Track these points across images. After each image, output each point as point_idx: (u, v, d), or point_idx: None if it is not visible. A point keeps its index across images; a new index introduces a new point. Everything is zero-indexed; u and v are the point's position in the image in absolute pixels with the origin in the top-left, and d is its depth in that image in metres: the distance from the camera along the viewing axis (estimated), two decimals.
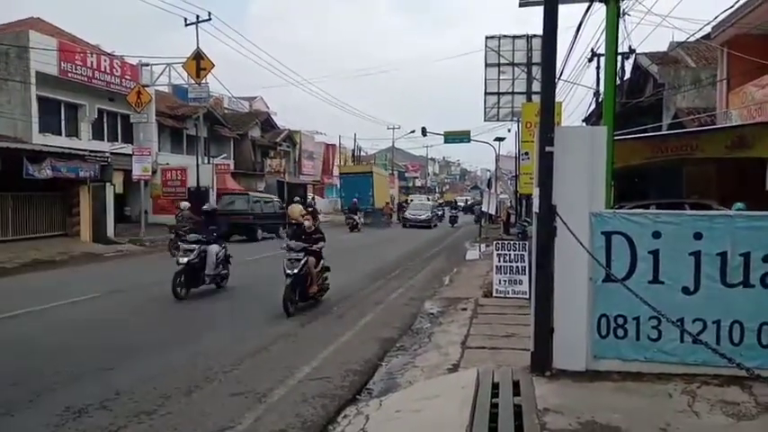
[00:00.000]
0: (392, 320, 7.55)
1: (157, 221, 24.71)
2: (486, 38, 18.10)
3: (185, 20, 22.85)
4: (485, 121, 18.84)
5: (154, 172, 23.87)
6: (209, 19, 22.91)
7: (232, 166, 32.05)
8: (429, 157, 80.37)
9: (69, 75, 21.66)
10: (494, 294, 8.67)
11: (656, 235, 4.24)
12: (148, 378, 4.96)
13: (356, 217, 28.49)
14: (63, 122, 22.49)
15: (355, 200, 30.86)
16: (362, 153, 53.94)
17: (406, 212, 33.15)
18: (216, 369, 5.22)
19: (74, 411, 4.14)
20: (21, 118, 20.31)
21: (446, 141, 32.25)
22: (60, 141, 20.79)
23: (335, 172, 52.93)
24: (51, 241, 17.21)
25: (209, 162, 27.49)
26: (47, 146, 18.48)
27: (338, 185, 49.40)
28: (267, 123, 40.23)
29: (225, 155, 32.68)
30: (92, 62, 22.75)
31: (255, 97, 48.54)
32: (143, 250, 17.87)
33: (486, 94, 18.20)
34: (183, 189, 26.02)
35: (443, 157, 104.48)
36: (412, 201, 47.14)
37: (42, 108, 21.06)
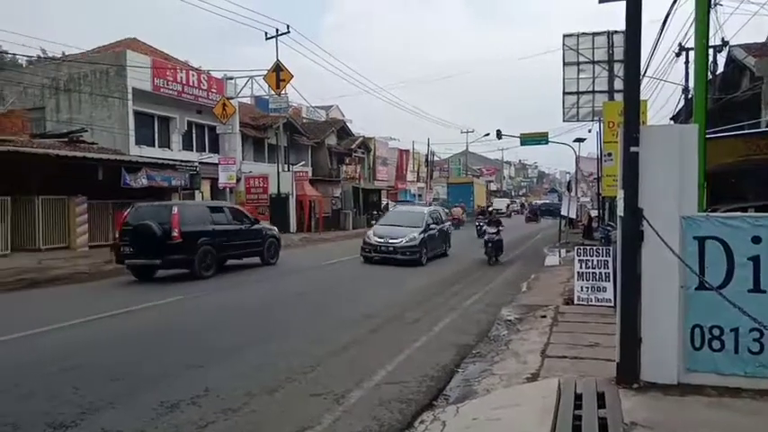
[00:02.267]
0: (468, 327, 7.46)
1: None
2: (564, 36, 17.54)
3: (266, 34, 23.93)
4: (564, 121, 18.24)
5: (238, 180, 25.05)
6: (288, 32, 23.84)
7: (310, 173, 33.03)
8: (504, 160, 78.81)
9: (162, 90, 23.25)
10: (575, 302, 8.35)
11: (756, 240, 3.92)
12: (234, 376, 5.21)
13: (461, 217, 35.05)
14: (156, 135, 24.17)
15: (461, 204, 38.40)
16: (436, 158, 53.74)
17: (370, 233, 16.24)
18: (296, 369, 5.39)
19: (167, 406, 4.42)
20: (119, 131, 22.03)
21: (522, 144, 31.46)
22: (154, 152, 22.35)
23: (409, 177, 53.18)
24: None
25: (288, 170, 28.51)
26: (142, 157, 19.93)
27: (409, 192, 50.10)
28: (343, 131, 41.14)
29: (303, 162, 33.74)
30: (181, 77, 24.29)
31: (332, 106, 49.80)
32: None
33: (564, 93, 17.62)
34: (266, 196, 27.16)
35: (519, 160, 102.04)
36: (491, 205, 48.64)
37: (138, 122, 22.75)
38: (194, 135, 26.41)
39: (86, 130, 21.14)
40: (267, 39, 23.86)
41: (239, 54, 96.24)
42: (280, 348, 6.35)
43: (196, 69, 26.88)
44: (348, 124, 43.52)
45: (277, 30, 23.86)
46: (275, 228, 16.37)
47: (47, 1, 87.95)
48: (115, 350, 6.44)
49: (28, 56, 38.51)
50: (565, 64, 17.48)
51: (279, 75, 21.02)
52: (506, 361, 5.66)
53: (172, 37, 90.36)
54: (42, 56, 31.82)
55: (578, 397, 3.95)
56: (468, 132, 54.93)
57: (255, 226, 14.61)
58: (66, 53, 27.08)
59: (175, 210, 12.11)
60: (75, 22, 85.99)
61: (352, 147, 40.69)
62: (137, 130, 22.67)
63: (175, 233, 11.70)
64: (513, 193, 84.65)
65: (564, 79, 17.52)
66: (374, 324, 7.55)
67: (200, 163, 22.37)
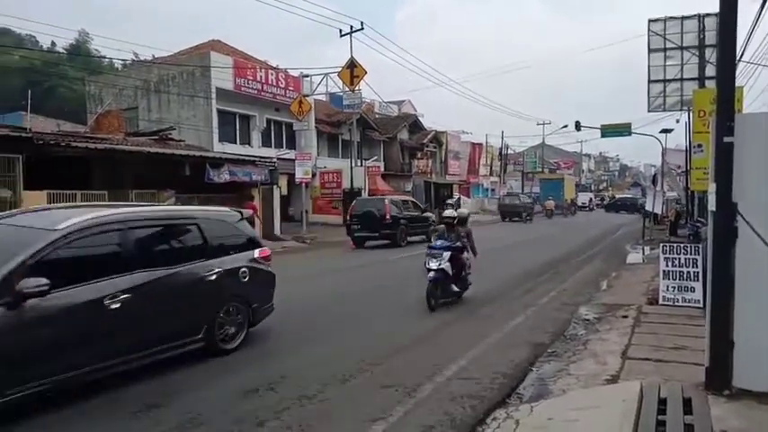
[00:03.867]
0: (543, 324, 7.26)
1: (317, 221, 26.62)
2: (650, 21, 16.54)
3: (340, 31, 24.29)
4: (649, 111, 17.20)
5: (313, 175, 25.69)
6: (362, 28, 24.07)
7: (382, 168, 33.30)
8: (583, 152, 75.69)
9: (242, 89, 24.23)
10: (660, 302, 7.90)
11: None
12: (308, 366, 5.38)
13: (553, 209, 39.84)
14: (237, 132, 25.24)
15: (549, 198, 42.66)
16: (510, 151, 52.51)
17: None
18: (367, 361, 5.47)
19: (246, 391, 4.65)
20: (204, 129, 23.21)
21: (603, 135, 30.03)
22: (235, 149, 23.36)
23: (482, 171, 52.34)
24: None
25: (361, 164, 28.88)
26: (225, 153, 20.90)
27: (482, 186, 49.61)
28: (414, 125, 41.11)
29: (375, 157, 34.08)
30: (261, 77, 25.20)
31: (404, 101, 49.87)
32: (304, 247, 19.34)
33: (649, 82, 16.63)
34: (339, 190, 27.70)
35: (600, 153, 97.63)
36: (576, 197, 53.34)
37: (221, 120, 23.86)
38: (273, 132, 27.35)
39: (174, 128, 22.46)
40: (341, 36, 24.23)
41: (315, 53, 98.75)
42: (353, 338, 6.49)
43: (274, 68, 27.79)
44: (420, 118, 43.43)
45: (351, 27, 24.19)
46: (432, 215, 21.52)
47: (138, 6, 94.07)
48: None
49: (123, 59, 41.46)
50: (650, 51, 16.49)
51: (353, 71, 21.31)
52: (584, 361, 5.46)
53: (252, 38, 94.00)
54: (135, 59, 34.13)
55: (662, 402, 3.75)
56: (544, 124, 53.25)
57: (425, 213, 20.92)
58: (156, 56, 28.88)
59: (387, 201, 18.79)
60: (165, 26, 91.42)
61: (424, 141, 40.58)
62: (220, 127, 23.79)
63: (387, 217, 17.94)
64: (592, 187, 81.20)
65: (649, 67, 16.53)
66: (446, 318, 7.52)
67: (278, 159, 23.14)
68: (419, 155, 40.01)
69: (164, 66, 25.34)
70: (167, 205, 17.60)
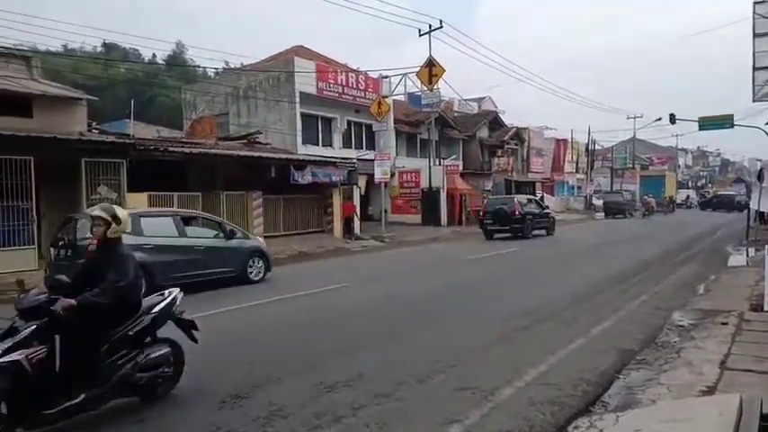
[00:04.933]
0: (633, 330, 6.88)
1: (395, 220, 26.83)
2: (755, 3, 15.18)
3: (419, 31, 24.32)
4: (754, 101, 15.88)
5: (392, 175, 25.90)
6: (441, 27, 23.96)
7: (461, 167, 32.97)
8: (679, 147, 70.72)
9: (324, 92, 24.89)
10: (765, 308, 7.24)
11: None
12: (385, 364, 5.44)
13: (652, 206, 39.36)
14: (320, 134, 25.96)
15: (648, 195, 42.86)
16: (597, 146, 50.09)
17: None
18: (443, 362, 5.45)
19: (325, 386, 4.78)
20: (288, 132, 24.08)
21: (701, 128, 27.89)
22: (317, 151, 24.05)
23: (567, 168, 50.38)
24: (311, 236, 20.05)
25: (439, 164, 28.74)
26: (308, 155, 21.59)
27: (567, 183, 47.97)
28: (495, 122, 40.32)
29: (454, 156, 33.79)
30: (341, 80, 25.77)
31: (484, 98, 49.06)
32: (383, 246, 19.57)
33: (755, 69, 15.30)
34: (417, 190, 27.74)
35: (698, 147, 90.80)
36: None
37: (304, 123, 24.64)
38: (353, 133, 27.88)
39: (261, 132, 23.50)
40: (420, 35, 24.28)
41: (394, 54, 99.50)
42: (430, 339, 6.49)
43: (354, 71, 28.32)
44: (501, 115, 42.51)
45: (430, 26, 24.16)
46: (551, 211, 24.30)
47: (228, 16, 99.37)
48: (283, 331, 7.12)
49: (215, 68, 43.92)
50: (755, 35, 15.16)
51: (431, 70, 21.29)
52: (677, 370, 5.12)
53: (333, 41, 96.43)
54: (226, 67, 36.07)
55: (764, 418, 3.44)
56: (635, 117, 50.29)
57: (546, 210, 23.57)
58: (245, 63, 30.35)
59: (516, 200, 21.99)
60: (253, 34, 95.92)
61: (505, 138, 39.67)
62: (303, 130, 24.59)
63: (517, 213, 20.83)
64: (689, 184, 75.72)
65: (754, 53, 15.20)
66: (528, 320, 7.32)
67: (357, 159, 23.57)
68: (499, 152, 39.18)
69: (251, 73, 26.59)
70: (255, 206, 18.48)
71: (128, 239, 8.75)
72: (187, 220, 11.11)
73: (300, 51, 27.73)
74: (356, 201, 22.06)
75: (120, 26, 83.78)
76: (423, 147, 31.49)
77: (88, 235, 8.39)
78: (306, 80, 23.99)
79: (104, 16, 78.60)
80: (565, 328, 7.07)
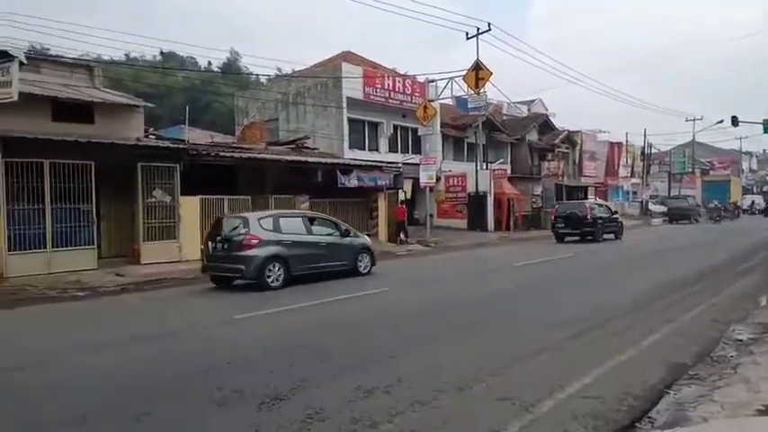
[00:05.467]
0: (687, 343, 6.55)
1: (441, 224, 26.67)
2: None
3: (467, 34, 24.15)
4: None
5: (438, 179, 25.78)
6: (489, 29, 23.70)
7: (509, 171, 32.46)
8: (743, 150, 67.15)
9: (371, 97, 25.08)
10: None
11: None
12: (425, 370, 5.40)
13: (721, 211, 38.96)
14: (366, 139, 26.17)
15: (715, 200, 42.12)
16: (654, 150, 48.19)
17: None
18: (485, 371, 5.35)
19: (363, 391, 4.78)
20: (335, 137, 24.39)
21: (766, 131, 26.45)
22: (364, 155, 24.23)
23: (621, 173, 48.78)
24: None
25: (486, 168, 28.40)
26: (354, 159, 21.78)
27: (621, 188, 46.55)
28: (545, 125, 39.50)
29: (502, 160, 33.31)
30: (388, 84, 25.90)
31: (534, 100, 48.19)
32: (428, 250, 19.51)
33: None
34: (464, 194, 27.47)
35: (764, 150, 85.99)
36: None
37: (351, 127, 24.91)
38: (399, 138, 27.95)
39: (309, 137, 23.90)
40: (468, 39, 24.09)
41: (442, 58, 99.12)
42: (472, 346, 6.40)
43: (401, 76, 28.40)
44: (551, 118, 41.62)
45: (478, 29, 23.95)
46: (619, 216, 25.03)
47: (281, 23, 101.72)
48: (328, 334, 7.19)
49: (267, 75, 45.06)
50: None
51: (478, 74, 21.07)
52: (732, 387, 4.84)
53: (379, 46, 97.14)
54: (278, 74, 36.90)
55: None
56: (694, 120, 48.17)
57: (614, 215, 24.17)
58: (295, 69, 30.97)
59: (587, 205, 23.31)
60: (304, 41, 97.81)
61: (555, 141, 38.78)
62: (350, 135, 24.87)
63: (588, 217, 21.80)
64: (754, 189, 71.73)
65: None
66: (574, 330, 7.10)
67: (403, 164, 23.59)
68: (549, 156, 38.33)
69: (300, 79, 27.10)
70: (303, 209, 18.81)
71: (270, 236, 11.37)
72: (312, 220, 12.77)
73: (348, 57, 28.05)
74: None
75: (177, 35, 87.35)
76: (470, 150, 31.20)
77: (242, 231, 10.90)
78: (353, 85, 24.25)
79: (164, 26, 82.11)
80: (614, 338, 6.82)
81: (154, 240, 14.72)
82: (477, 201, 26.65)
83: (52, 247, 13.03)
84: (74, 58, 19.43)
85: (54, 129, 13.89)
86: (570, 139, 41.03)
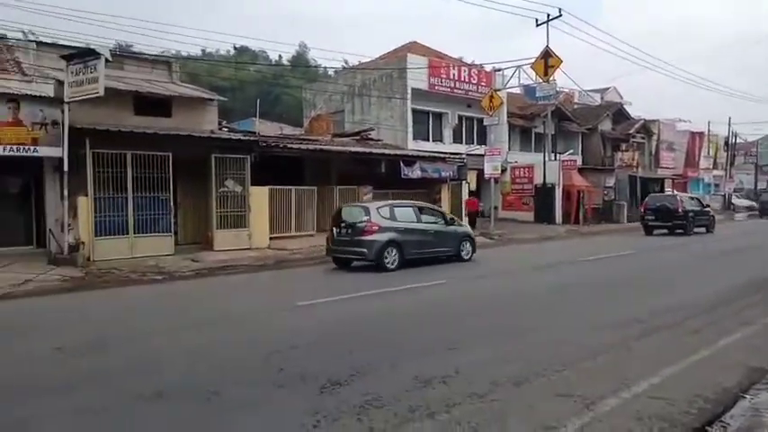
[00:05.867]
0: (766, 346, 6.14)
1: (506, 217, 26.20)
2: None
3: (536, 20, 23.43)
4: None
5: (504, 170, 25.31)
6: (560, 15, 22.90)
7: (579, 162, 31.34)
8: None
9: (436, 88, 24.93)
10: None
11: None
12: (484, 362, 5.37)
13: None
14: (430, 129, 26.07)
15: None
16: (739, 140, 44.94)
17: None
18: (545, 365, 5.26)
19: (421, 381, 4.82)
20: (399, 128, 24.45)
21: None
22: (428, 146, 24.17)
23: (703, 164, 45.91)
24: None
25: (555, 158, 27.56)
26: (417, 150, 21.76)
27: (702, 180, 43.79)
28: (619, 114, 37.77)
29: (572, 150, 32.19)
30: (453, 74, 25.64)
31: (608, 88, 46.17)
32: (492, 243, 19.25)
33: None
34: (531, 186, 26.82)
35: None
36: None
37: (415, 119, 24.89)
38: (464, 128, 27.64)
39: (373, 129, 24.11)
40: (537, 25, 23.36)
41: (509, 46, 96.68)
42: (535, 340, 6.29)
43: (467, 65, 28.02)
44: (626, 107, 39.71)
45: (548, 15, 23.17)
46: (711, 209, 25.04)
47: (349, 15, 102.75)
48: (389, 320, 7.30)
49: (334, 67, 45.78)
50: None
51: (547, 61, 20.42)
52: None
53: (447, 35, 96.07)
54: (345, 66, 37.39)
55: None
56: None
57: (706, 209, 24.20)
58: (362, 62, 31.26)
59: (678, 197, 23.39)
60: (372, 33, 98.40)
61: (630, 131, 36.99)
62: (414, 126, 24.86)
63: (679, 210, 22.08)
64: None
65: None
66: (644, 328, 6.81)
67: (467, 154, 23.32)
68: (624, 147, 36.63)
69: (366, 71, 27.33)
70: (365, 200, 19.03)
71: (387, 223, 12.79)
72: (421, 210, 14.07)
73: (414, 48, 27.98)
74: (464, 196, 21.85)
75: (251, 30, 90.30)
76: (538, 141, 30.38)
77: (363, 219, 12.54)
78: (418, 76, 24.18)
79: (237, 21, 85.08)
80: (687, 337, 6.49)
81: (226, 228, 15.40)
82: (544, 193, 25.94)
83: (134, 233, 13.93)
84: (154, 55, 20.56)
85: (136, 121, 14.80)
86: (647, 128, 39.01)
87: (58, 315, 8.67)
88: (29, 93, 12.82)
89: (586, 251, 16.14)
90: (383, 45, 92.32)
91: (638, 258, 15.13)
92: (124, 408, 4.39)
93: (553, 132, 29.76)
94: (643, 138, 38.86)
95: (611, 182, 31.21)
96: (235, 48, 49.38)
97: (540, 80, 22.36)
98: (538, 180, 26.20)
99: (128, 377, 5.21)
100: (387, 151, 20.40)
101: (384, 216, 12.78)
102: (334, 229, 13.19)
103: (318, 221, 18.46)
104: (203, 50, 41.72)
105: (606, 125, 35.91)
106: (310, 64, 48.49)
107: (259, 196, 16.01)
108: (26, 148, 12.67)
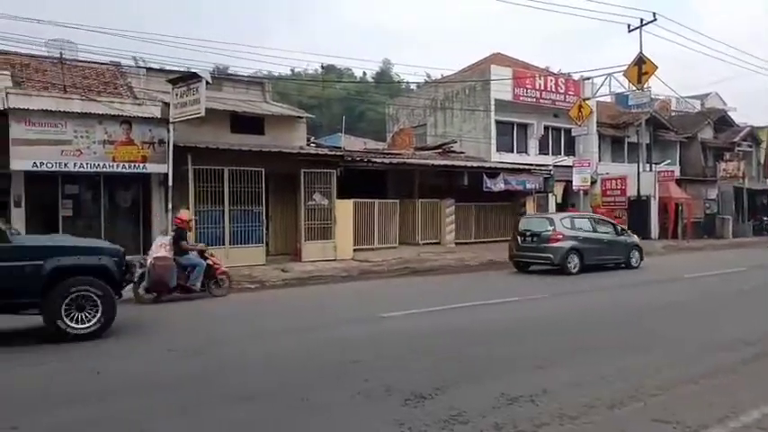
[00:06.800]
0: None
1: None
2: None
3: (628, 26, 22.45)
4: None
5: (594, 182, 24.29)
6: (655, 20, 21.80)
7: (677, 173, 29.38)
8: None
9: (520, 98, 24.46)
10: None
11: None
12: (575, 383, 5.17)
13: None
14: (514, 141, 25.56)
15: None
16: None
17: None
18: (644, 388, 4.98)
19: (507, 398, 4.72)
20: (483, 140, 24.20)
21: None
22: (512, 158, 23.70)
23: None
24: (502, 245, 19.77)
25: (650, 169, 26.09)
26: (502, 162, 21.43)
27: None
28: (722, 122, 35.06)
29: (669, 161, 30.27)
30: (539, 84, 25.05)
31: (708, 94, 43.10)
32: None
33: None
34: (623, 198, 25.52)
35: None
36: None
37: (498, 130, 24.52)
38: (550, 139, 26.83)
39: (456, 142, 24.03)
40: (630, 31, 22.35)
41: (598, 54, 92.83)
42: (632, 361, 5.97)
43: (554, 74, 27.27)
44: (730, 113, 36.79)
45: (641, 20, 22.11)
46: None
47: (431, 29, 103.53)
48: (466, 336, 7.23)
49: (417, 82, 46.26)
50: None
51: (641, 68, 19.45)
52: None
53: (533, 45, 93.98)
54: (426, 80, 37.67)
55: None
56: None
57: None
58: (444, 75, 31.36)
59: None
60: (454, 46, 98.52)
61: (735, 139, 34.15)
62: (498, 137, 24.49)
63: None
64: None
65: None
66: (752, 353, 6.28)
67: (554, 166, 22.62)
68: (727, 156, 33.79)
69: (448, 83, 27.37)
70: (447, 213, 18.99)
71: (569, 232, 14.42)
72: (596, 221, 15.86)
73: (497, 59, 27.66)
74: (551, 210, 21.18)
75: (336, 49, 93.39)
76: (631, 151, 28.86)
77: (549, 228, 14.20)
78: (501, 87, 23.86)
79: (325, 40, 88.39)
80: None
81: (313, 240, 15.95)
82: (638, 206, 24.56)
83: (229, 244, 14.77)
84: (249, 76, 21.83)
85: (232, 139, 15.76)
86: (754, 136, 35.85)
87: (168, 319, 9.33)
88: (139, 115, 14.03)
89: (687, 267, 15.16)
90: (466, 58, 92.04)
91: (749, 276, 13.94)
92: (220, 407, 4.67)
93: (648, 142, 28.17)
94: (750, 146, 35.75)
95: (713, 194, 29.01)
96: (322, 66, 51.27)
97: (634, 88, 21.32)
98: (631, 192, 24.87)
99: (223, 378, 5.54)
100: (469, 164, 20.26)
101: (566, 226, 14.50)
102: (518, 237, 14.84)
103: (401, 234, 18.63)
104: (292, 70, 43.74)
105: (707, 133, 33.46)
106: (393, 79, 49.29)
107: (344, 209, 16.45)
108: (137, 165, 13.88)
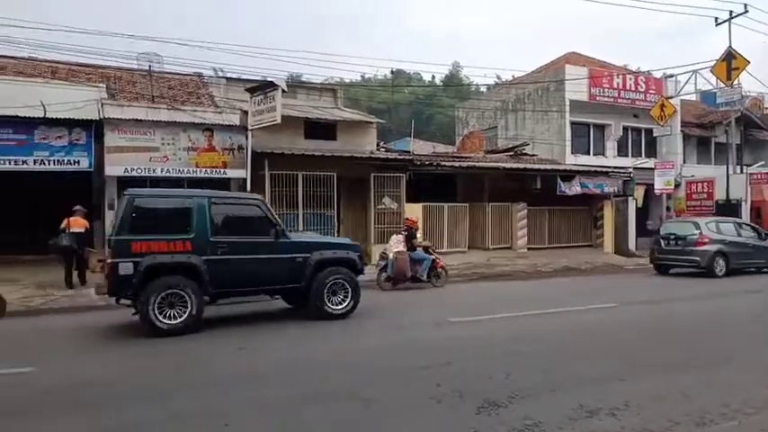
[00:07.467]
0: None
1: None
2: None
3: (716, 19, 21.10)
4: None
5: (677, 185, 22.96)
6: (746, 11, 20.34)
7: None
8: None
9: (597, 98, 23.55)
10: None
11: None
12: (656, 397, 4.90)
13: None
14: (591, 143, 24.63)
15: None
16: None
17: None
18: (733, 406, 4.65)
19: (586, 411, 4.55)
20: (556, 142, 23.49)
21: None
22: (588, 160, 22.85)
23: None
24: (578, 250, 19.13)
25: (741, 171, 24.32)
26: (577, 165, 20.72)
27: None
28: None
29: (763, 162, 28.04)
30: (617, 83, 24.02)
31: None
32: None
33: None
34: (710, 202, 23.93)
35: None
36: None
37: (574, 131, 23.71)
38: (629, 140, 25.64)
39: (528, 144, 23.47)
40: (717, 25, 20.97)
41: (682, 49, 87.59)
42: (719, 375, 5.61)
43: (633, 72, 26.04)
44: None
45: (731, 12, 20.69)
46: None
47: (502, 30, 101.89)
48: (548, 345, 7.03)
49: (486, 84, 45.61)
50: None
51: (730, 63, 18.19)
52: None
53: (610, 43, 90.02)
54: (497, 82, 37.08)
55: None
56: None
57: None
58: (515, 76, 30.76)
59: None
60: (528, 47, 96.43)
61: None
62: (573, 139, 23.68)
63: None
64: None
65: None
66: None
67: (633, 168, 21.59)
68: None
69: (520, 85, 26.80)
70: (519, 217, 18.57)
71: (715, 236, 14.76)
72: (740, 225, 16.17)
73: (572, 58, 26.77)
74: (631, 214, 20.20)
75: (406, 55, 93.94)
76: (719, 152, 27.01)
77: (695, 232, 14.60)
78: (577, 87, 23.07)
79: (395, 48, 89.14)
80: None
81: (382, 243, 16.07)
82: (727, 209, 22.88)
83: None
84: (321, 83, 22.40)
85: (306, 145, 16.23)
86: None
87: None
88: (220, 122, 14.75)
89: None
90: (538, 58, 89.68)
91: None
92: (289, 406, 4.80)
93: (738, 142, 26.25)
94: None
95: None
96: (391, 71, 51.70)
97: (722, 84, 19.96)
98: (719, 195, 23.26)
99: (293, 378, 5.71)
100: (542, 166, 19.72)
101: (711, 230, 14.82)
102: (661, 240, 15.38)
103: (470, 238, 18.42)
104: (362, 76, 44.44)
105: None
106: (463, 82, 48.89)
107: (413, 213, 16.48)
108: (218, 170, 14.60)
